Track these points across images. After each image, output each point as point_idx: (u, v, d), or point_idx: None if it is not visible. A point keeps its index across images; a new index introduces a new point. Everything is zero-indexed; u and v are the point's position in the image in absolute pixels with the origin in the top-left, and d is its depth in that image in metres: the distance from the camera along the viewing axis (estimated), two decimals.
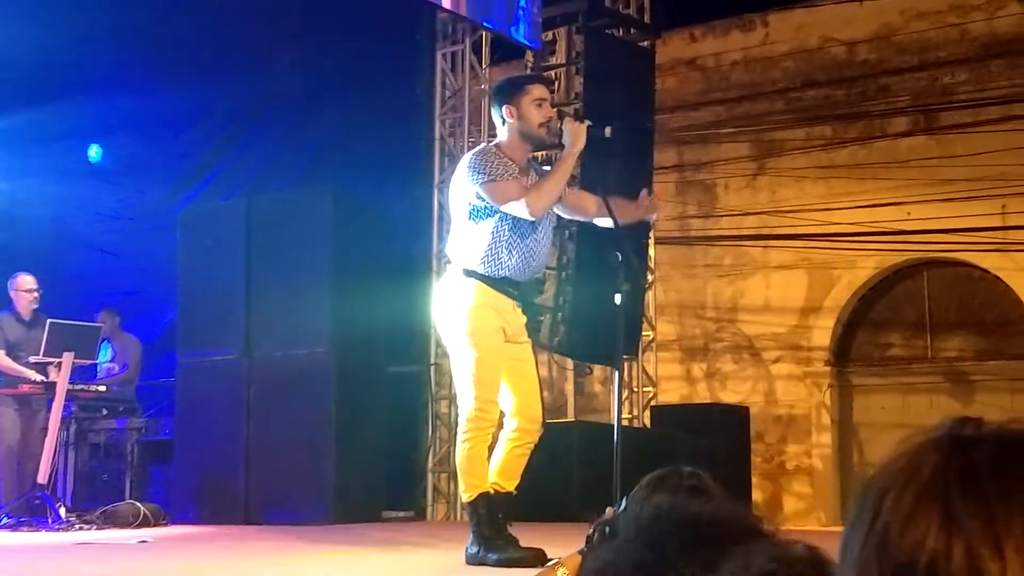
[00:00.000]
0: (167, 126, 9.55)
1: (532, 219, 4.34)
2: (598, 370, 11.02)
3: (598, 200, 4.50)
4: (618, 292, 4.26)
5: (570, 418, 9.63)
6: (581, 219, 4.77)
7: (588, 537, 2.35)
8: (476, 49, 9.60)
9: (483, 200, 4.33)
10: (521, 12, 9.06)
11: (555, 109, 4.59)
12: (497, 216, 4.33)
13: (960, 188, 10.34)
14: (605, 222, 4.48)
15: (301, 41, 9.45)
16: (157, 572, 4.26)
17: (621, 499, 3.88)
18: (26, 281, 7.68)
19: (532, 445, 4.42)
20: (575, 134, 4.34)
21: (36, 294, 7.66)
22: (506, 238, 4.35)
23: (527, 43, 9.10)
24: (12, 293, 7.72)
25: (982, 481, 0.75)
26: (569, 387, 10.26)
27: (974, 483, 0.75)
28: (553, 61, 9.60)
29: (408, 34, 9.43)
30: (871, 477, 0.81)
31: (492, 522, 4.33)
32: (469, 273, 4.36)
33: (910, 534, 0.74)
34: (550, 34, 9.57)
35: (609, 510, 2.33)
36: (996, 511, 0.73)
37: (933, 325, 11.13)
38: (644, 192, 4.55)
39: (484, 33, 9.47)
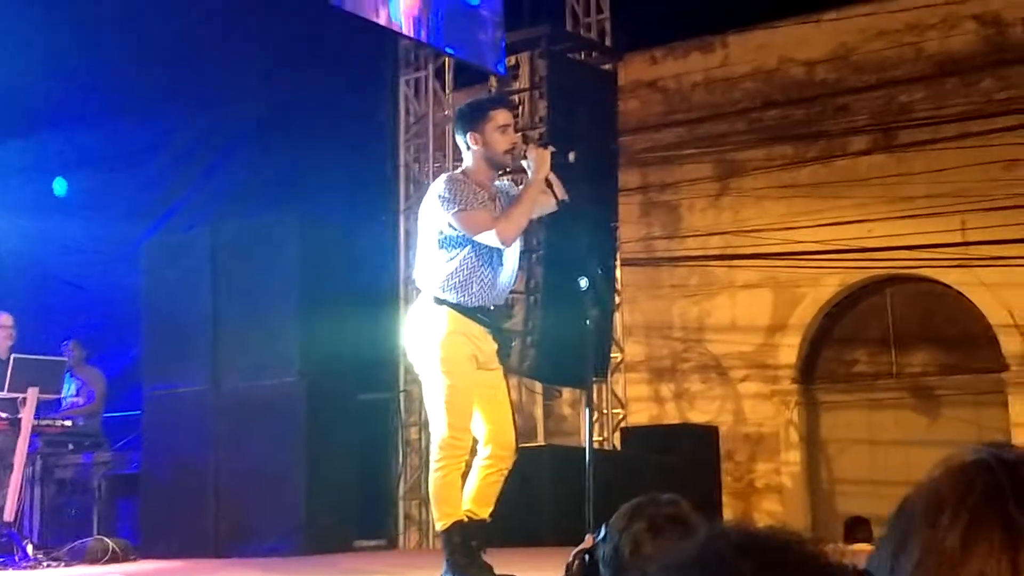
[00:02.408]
0: (130, 157, 9.51)
1: (503, 247, 4.35)
2: (567, 392, 11.03)
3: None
4: (587, 318, 4.28)
5: (540, 441, 9.62)
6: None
7: (568, 566, 2.36)
8: (439, 75, 9.64)
9: (455, 229, 4.34)
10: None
11: (519, 134, 4.59)
12: (469, 245, 4.34)
13: (920, 205, 10.47)
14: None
15: (263, 69, 9.45)
16: None
17: (596, 524, 3.89)
18: (2, 319, 7.68)
19: (506, 471, 4.42)
20: (539, 160, 4.36)
21: (11, 331, 7.64)
22: (478, 266, 4.36)
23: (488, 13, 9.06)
24: None
25: None
26: (538, 410, 10.25)
27: None
28: (516, 86, 9.63)
29: (371, 61, 9.45)
30: (910, 500, 0.83)
31: (466, 550, 4.32)
32: (440, 301, 4.36)
33: (974, 549, 0.76)
34: (513, 59, 9.60)
35: (588, 537, 2.34)
36: None
37: (897, 341, 11.24)
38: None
39: (447, 59, 9.51)
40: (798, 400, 11.38)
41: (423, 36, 8.68)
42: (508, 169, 4.61)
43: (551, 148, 4.40)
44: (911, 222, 10.52)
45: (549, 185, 4.37)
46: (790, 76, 11.58)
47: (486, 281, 4.38)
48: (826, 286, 11.25)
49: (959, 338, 10.92)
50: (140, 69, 9.38)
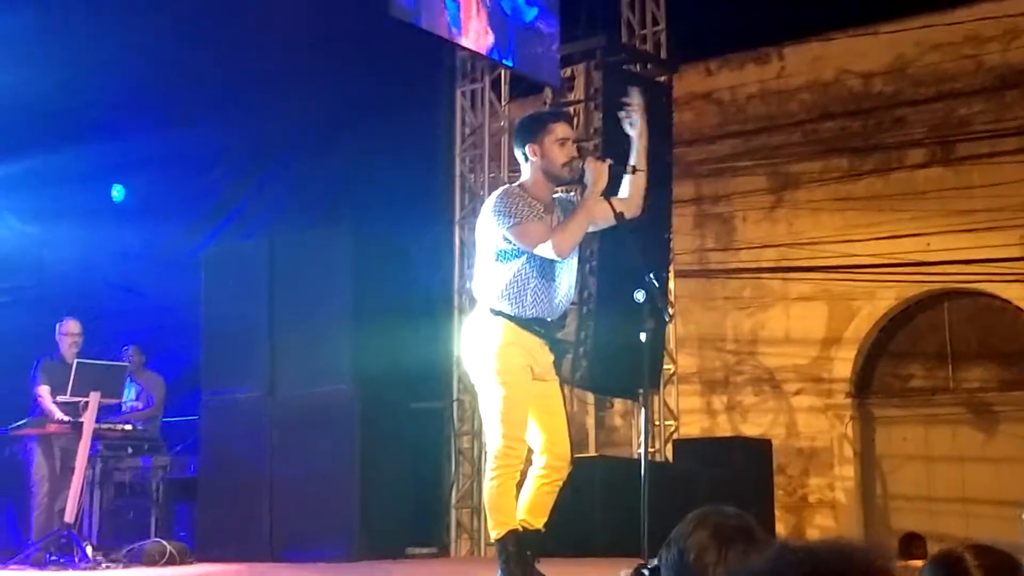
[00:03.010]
0: (189, 164, 9.65)
1: (559, 259, 4.38)
2: (619, 404, 11.03)
3: (629, 192, 4.52)
4: (643, 331, 4.29)
5: (591, 452, 9.63)
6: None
7: None
8: (495, 86, 9.69)
9: (510, 242, 4.38)
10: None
11: (576, 147, 4.61)
12: (524, 257, 4.38)
13: (979, 219, 10.36)
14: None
15: (322, 79, 9.55)
16: None
17: (650, 537, 3.90)
18: (70, 326, 7.88)
19: (561, 482, 4.44)
20: (597, 173, 4.38)
21: (77, 338, 7.82)
22: (533, 278, 4.39)
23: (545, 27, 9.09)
24: (58, 337, 7.89)
25: None
26: (590, 421, 10.27)
27: None
28: (572, 97, 9.67)
29: (428, 72, 9.53)
30: None
31: (520, 559, 4.34)
32: (496, 312, 4.40)
33: None
34: (568, 71, 9.65)
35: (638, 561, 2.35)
36: None
37: (954, 356, 11.11)
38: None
39: (503, 71, 9.56)
40: (852, 414, 11.28)
41: (483, 49, 8.74)
42: (567, 183, 4.63)
43: (609, 161, 4.42)
44: (969, 236, 10.41)
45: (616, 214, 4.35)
46: (847, 88, 11.51)
47: (541, 292, 4.41)
48: (882, 299, 11.15)
49: (1018, 354, 10.77)
50: (199, 77, 9.51)
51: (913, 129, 11.12)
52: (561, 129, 4.50)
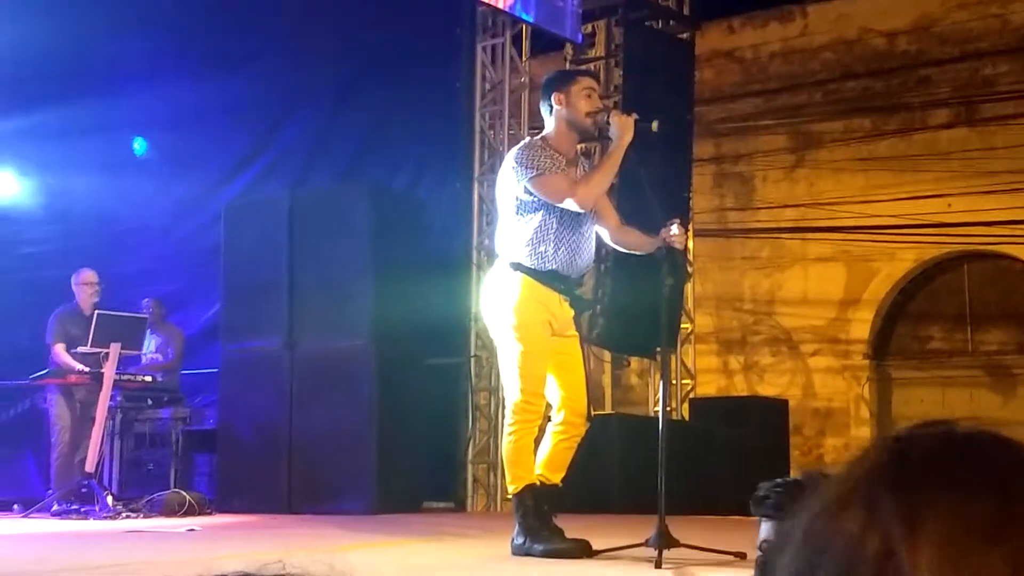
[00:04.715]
0: (211, 118, 9.62)
1: (581, 211, 4.37)
2: (635, 362, 11.04)
3: (637, 233, 4.50)
4: (662, 288, 4.28)
5: (607, 410, 9.65)
6: (624, 250, 4.70)
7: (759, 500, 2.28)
8: (516, 42, 9.61)
9: (531, 195, 4.37)
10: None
11: (602, 102, 4.61)
12: (544, 210, 4.37)
13: (1002, 180, 10.29)
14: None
15: (342, 33, 9.50)
16: (211, 559, 4.33)
17: (667, 494, 3.90)
18: (88, 276, 7.88)
19: (579, 438, 4.45)
20: (623, 127, 4.36)
21: (97, 288, 7.83)
22: (553, 232, 4.38)
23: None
24: (75, 287, 7.90)
25: (909, 476, 0.78)
26: (606, 379, 10.27)
27: (901, 478, 0.78)
28: (593, 54, 9.60)
29: (449, 27, 9.46)
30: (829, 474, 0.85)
31: (538, 513, 4.36)
32: (516, 266, 4.39)
33: (835, 521, 0.78)
34: (589, 27, 9.57)
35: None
36: (914, 502, 0.76)
37: (973, 318, 11.08)
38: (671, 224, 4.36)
39: (524, 26, 9.49)
40: (870, 376, 11.28)
41: (504, 3, 8.67)
42: (591, 136, 4.64)
43: (635, 115, 4.40)
44: (991, 198, 10.34)
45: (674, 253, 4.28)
46: (870, 47, 11.41)
47: (561, 246, 4.39)
48: (902, 261, 11.11)
49: None
50: (221, 30, 9.47)
51: (937, 89, 11.02)
52: (587, 81, 4.60)
